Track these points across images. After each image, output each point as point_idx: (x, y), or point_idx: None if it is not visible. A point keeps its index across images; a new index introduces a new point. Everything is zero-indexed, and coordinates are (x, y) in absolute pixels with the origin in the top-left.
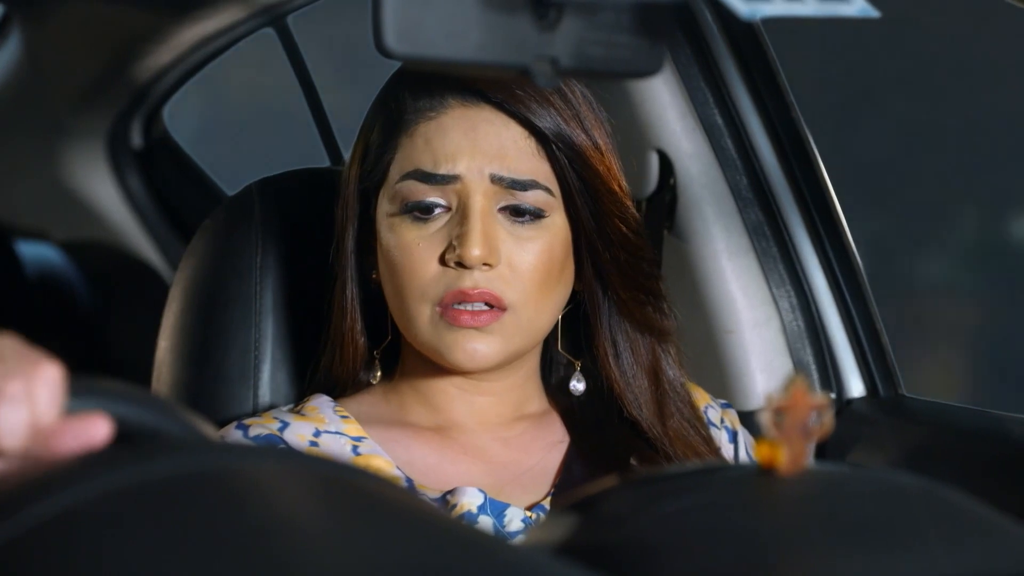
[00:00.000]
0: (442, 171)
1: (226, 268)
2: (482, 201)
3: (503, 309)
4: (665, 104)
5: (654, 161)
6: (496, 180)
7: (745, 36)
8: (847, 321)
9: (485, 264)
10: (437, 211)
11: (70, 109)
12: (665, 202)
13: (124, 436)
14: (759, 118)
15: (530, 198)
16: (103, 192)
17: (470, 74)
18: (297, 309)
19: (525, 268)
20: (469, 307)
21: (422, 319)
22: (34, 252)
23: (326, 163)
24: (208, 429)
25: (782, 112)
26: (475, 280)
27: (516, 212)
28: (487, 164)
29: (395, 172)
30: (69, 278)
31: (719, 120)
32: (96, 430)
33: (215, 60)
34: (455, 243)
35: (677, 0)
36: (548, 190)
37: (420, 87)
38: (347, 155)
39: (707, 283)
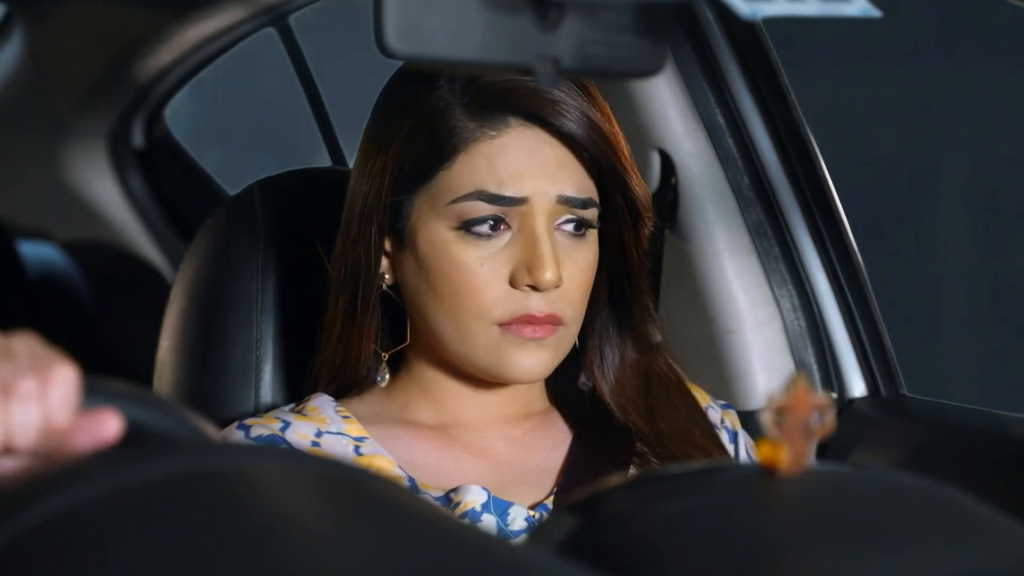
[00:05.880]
0: (509, 192)
1: (227, 268)
2: (546, 222)
3: (561, 324)
4: (667, 104)
5: (656, 160)
6: (563, 201)
7: (746, 36)
8: (849, 321)
9: (555, 286)
10: (500, 230)
11: (72, 109)
12: (667, 201)
13: (126, 436)
14: (760, 117)
15: (588, 215)
16: (105, 192)
17: (472, 73)
18: (298, 309)
19: (577, 284)
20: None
21: (480, 337)
22: (36, 252)
23: (327, 163)
24: (210, 429)
25: (783, 111)
26: (541, 303)
27: (576, 226)
28: (552, 185)
29: (449, 190)
30: (71, 278)
31: (720, 119)
32: (107, 427)
33: (217, 60)
34: (529, 266)
35: (678, 0)
36: (599, 206)
37: (476, 104)
38: (348, 154)
39: (709, 282)
